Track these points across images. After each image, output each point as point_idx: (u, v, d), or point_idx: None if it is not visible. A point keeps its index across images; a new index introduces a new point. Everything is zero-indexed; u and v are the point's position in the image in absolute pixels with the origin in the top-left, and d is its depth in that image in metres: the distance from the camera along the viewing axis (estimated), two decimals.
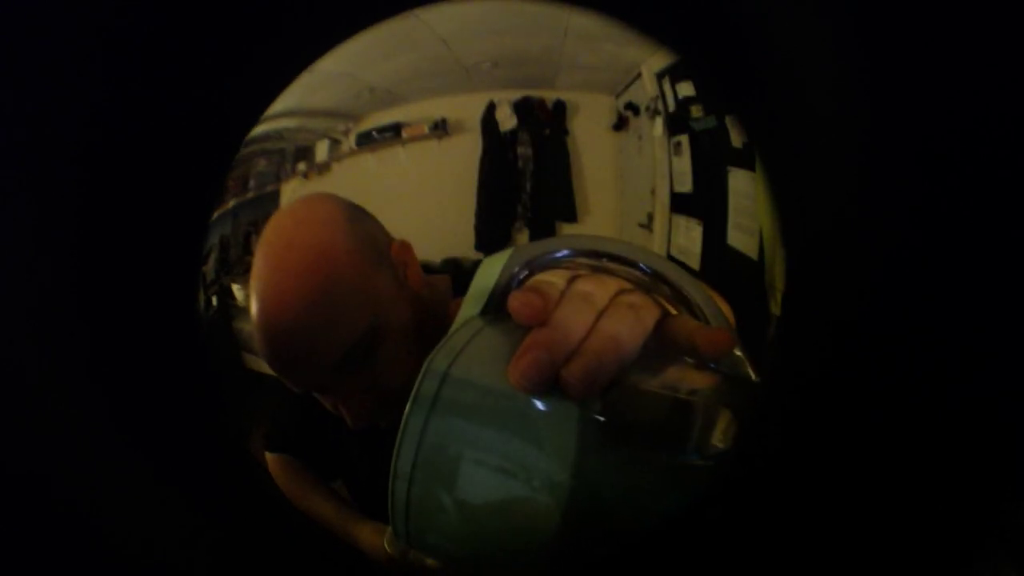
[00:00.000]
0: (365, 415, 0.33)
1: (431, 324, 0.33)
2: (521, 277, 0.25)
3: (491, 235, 0.32)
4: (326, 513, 0.37)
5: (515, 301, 0.22)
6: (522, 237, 0.33)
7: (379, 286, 0.32)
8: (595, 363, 0.21)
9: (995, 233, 0.21)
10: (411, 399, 0.22)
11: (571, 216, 0.33)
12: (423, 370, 0.23)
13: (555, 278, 0.23)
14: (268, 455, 0.38)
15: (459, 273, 0.34)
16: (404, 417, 0.22)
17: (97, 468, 0.23)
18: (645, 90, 0.31)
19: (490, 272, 0.25)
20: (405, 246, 0.33)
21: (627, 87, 0.32)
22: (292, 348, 0.31)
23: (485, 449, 0.22)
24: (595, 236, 0.29)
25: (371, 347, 0.31)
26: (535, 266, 0.26)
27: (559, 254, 0.26)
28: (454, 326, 0.25)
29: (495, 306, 0.25)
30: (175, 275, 0.25)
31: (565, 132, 0.32)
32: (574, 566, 0.23)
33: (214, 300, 0.32)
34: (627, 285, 0.24)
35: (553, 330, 0.21)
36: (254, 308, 0.31)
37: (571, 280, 0.23)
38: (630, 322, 0.22)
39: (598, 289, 0.23)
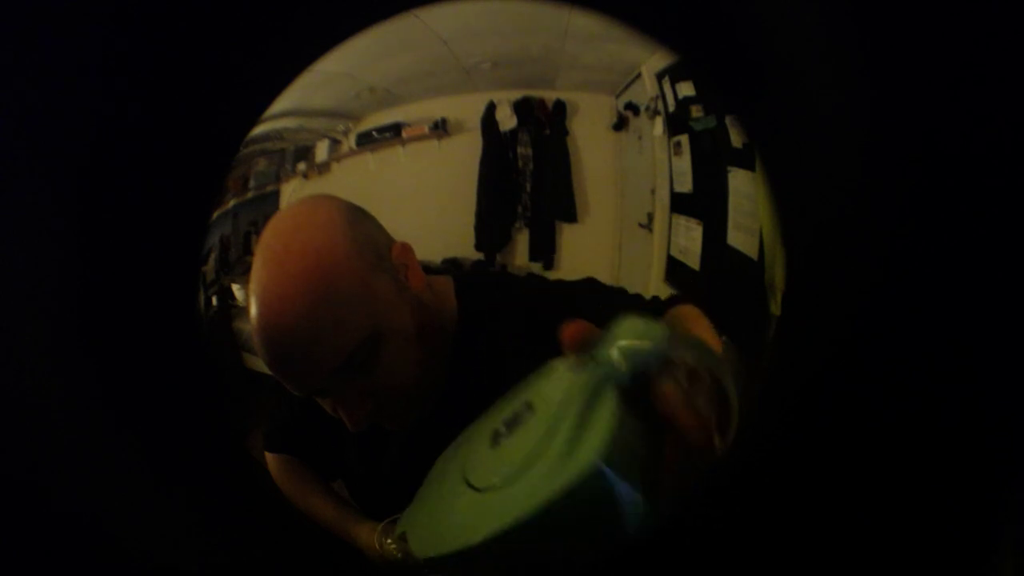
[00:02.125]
0: (364, 418, 0.33)
1: (432, 326, 0.33)
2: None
3: (491, 235, 0.32)
4: (326, 513, 0.37)
5: (695, 420, 0.22)
6: (522, 237, 0.33)
7: (379, 290, 0.32)
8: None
9: (995, 233, 0.21)
10: (549, 480, 0.21)
11: (571, 216, 0.33)
12: (585, 466, 0.21)
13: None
14: (268, 455, 0.38)
15: (459, 273, 0.34)
16: (523, 507, 0.21)
17: (97, 468, 0.23)
18: (645, 90, 0.31)
19: (633, 339, 0.23)
20: (405, 248, 0.32)
21: (627, 87, 0.32)
22: (290, 353, 0.31)
23: (583, 534, 0.22)
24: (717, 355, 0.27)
25: (372, 351, 0.31)
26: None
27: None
28: (585, 387, 0.23)
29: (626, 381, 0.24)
30: (175, 275, 0.25)
31: (565, 132, 0.32)
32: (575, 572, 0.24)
33: (214, 300, 0.32)
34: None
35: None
36: (252, 313, 0.31)
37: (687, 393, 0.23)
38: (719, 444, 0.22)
39: (706, 404, 0.23)
